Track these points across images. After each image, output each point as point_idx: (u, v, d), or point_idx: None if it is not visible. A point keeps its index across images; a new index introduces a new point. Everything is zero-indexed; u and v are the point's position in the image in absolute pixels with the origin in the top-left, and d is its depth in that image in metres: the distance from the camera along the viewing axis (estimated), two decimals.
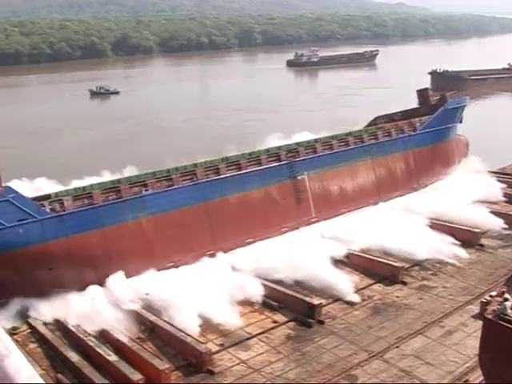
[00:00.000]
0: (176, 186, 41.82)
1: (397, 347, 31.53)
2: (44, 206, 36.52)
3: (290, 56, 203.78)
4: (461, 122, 67.12)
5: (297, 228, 46.81)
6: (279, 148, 49.63)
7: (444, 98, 67.56)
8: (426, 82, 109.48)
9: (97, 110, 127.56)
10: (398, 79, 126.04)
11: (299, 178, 48.32)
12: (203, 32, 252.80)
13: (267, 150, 49.26)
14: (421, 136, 60.15)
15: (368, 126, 68.81)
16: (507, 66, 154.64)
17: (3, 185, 35.02)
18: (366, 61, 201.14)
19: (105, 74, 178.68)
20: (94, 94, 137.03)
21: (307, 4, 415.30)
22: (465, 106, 67.46)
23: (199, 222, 42.06)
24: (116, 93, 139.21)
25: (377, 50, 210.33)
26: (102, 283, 36.00)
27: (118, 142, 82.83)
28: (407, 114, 68.98)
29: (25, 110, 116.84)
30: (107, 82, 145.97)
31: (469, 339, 31.81)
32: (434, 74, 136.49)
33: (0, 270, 33.13)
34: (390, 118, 70.88)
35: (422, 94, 70.26)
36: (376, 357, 30.64)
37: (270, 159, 47.80)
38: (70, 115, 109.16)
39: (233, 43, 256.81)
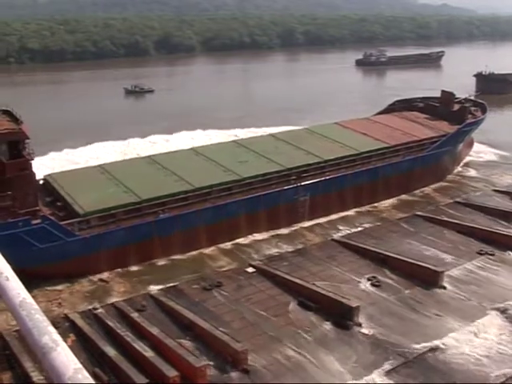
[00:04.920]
0: (190, 210, 46.94)
1: None
2: (73, 226, 42.56)
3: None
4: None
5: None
6: (290, 169, 53.24)
7: (464, 110, 67.09)
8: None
9: (133, 107, 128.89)
10: (458, 80, 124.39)
11: (302, 199, 52.42)
12: (246, 31, 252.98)
13: (280, 171, 52.84)
14: (428, 156, 60.53)
15: (385, 110, 70.57)
16: None
17: (41, 214, 41.77)
18: (432, 61, 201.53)
19: (145, 71, 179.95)
20: (129, 93, 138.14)
21: (351, 5, 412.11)
22: (480, 124, 68.04)
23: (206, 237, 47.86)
24: (150, 91, 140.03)
25: (442, 51, 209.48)
26: None
27: None
28: (426, 107, 69.64)
29: (61, 107, 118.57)
30: (148, 80, 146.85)
31: None
32: (479, 76, 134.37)
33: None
34: (409, 103, 71.44)
35: (446, 96, 69.87)
36: None
37: (280, 181, 52.18)
38: (110, 112, 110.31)
39: (275, 43, 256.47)
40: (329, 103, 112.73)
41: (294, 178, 52.79)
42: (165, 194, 46.46)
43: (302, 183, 52.58)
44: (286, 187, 51.96)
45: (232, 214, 48.50)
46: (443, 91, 71.20)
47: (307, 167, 53.91)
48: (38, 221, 41.10)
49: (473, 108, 70.05)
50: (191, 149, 58.29)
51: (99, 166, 52.87)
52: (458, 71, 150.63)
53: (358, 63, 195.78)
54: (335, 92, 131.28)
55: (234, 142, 61.77)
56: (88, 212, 43.56)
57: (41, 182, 48.00)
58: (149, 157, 55.74)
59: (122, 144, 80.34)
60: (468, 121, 66.01)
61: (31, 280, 36.42)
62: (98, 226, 43.53)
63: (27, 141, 41.38)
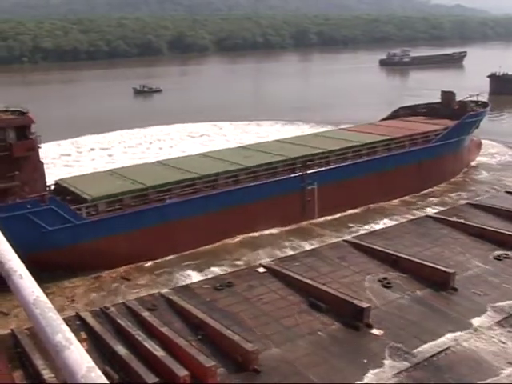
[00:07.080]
0: (198, 195, 48.15)
1: None
2: (81, 211, 43.92)
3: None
4: (477, 127, 68.50)
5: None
6: (295, 159, 54.85)
7: (465, 106, 68.60)
8: None
9: (139, 107, 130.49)
10: (479, 81, 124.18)
11: (309, 188, 53.58)
12: (259, 31, 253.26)
13: (284, 161, 54.30)
14: (433, 148, 61.70)
15: (389, 117, 72.24)
16: None
17: (48, 195, 43.48)
18: (454, 62, 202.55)
19: (158, 71, 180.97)
20: (138, 92, 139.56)
21: (363, 5, 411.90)
22: (482, 118, 68.96)
23: (215, 225, 48.59)
24: (158, 91, 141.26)
25: (465, 52, 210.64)
26: None
27: None
28: (428, 110, 71.08)
29: (68, 106, 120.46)
30: (159, 80, 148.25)
31: None
32: (493, 77, 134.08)
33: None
34: (412, 109, 73.18)
35: (446, 96, 71.73)
36: None
37: (285, 170, 53.65)
38: (113, 112, 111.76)
39: (288, 43, 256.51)
40: (360, 103, 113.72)
41: (299, 166, 54.33)
42: (170, 181, 48.20)
43: (308, 171, 53.98)
44: (291, 175, 53.67)
45: (239, 201, 49.90)
46: (443, 91, 73.30)
47: (312, 157, 55.14)
48: (47, 202, 42.94)
49: (474, 107, 71.39)
50: (198, 154, 60.66)
51: (109, 170, 55.49)
52: (480, 71, 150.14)
53: (382, 63, 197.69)
54: (363, 92, 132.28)
55: (240, 147, 64.42)
56: (96, 198, 45.56)
57: (52, 186, 49.71)
58: (157, 161, 58.39)
59: (120, 135, 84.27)
60: (470, 113, 67.44)
61: (43, 272, 36.84)
62: (106, 212, 45.26)
63: (33, 125, 43.96)
